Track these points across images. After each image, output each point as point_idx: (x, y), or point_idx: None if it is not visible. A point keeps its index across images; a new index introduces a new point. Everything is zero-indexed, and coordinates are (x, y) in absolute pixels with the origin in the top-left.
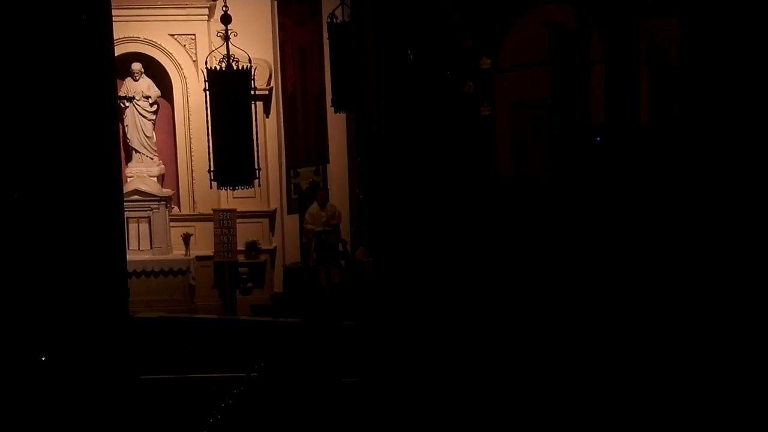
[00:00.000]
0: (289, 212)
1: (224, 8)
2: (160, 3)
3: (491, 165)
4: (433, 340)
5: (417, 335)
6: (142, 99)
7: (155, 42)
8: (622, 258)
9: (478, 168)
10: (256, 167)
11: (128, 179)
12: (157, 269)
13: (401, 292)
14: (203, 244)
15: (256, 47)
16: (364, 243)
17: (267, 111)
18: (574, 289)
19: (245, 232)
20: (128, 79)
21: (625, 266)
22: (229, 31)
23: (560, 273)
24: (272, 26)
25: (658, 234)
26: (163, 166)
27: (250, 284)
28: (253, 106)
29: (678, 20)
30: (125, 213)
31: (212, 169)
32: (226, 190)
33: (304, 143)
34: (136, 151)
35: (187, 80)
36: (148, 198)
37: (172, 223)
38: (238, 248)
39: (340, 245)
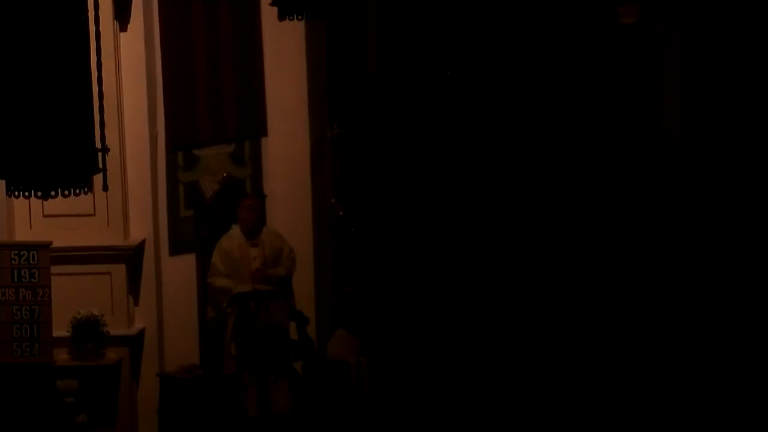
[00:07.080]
0: (174, 251)
1: None
2: None
3: (649, 146)
4: None
5: None
6: None
7: None
8: None
9: (618, 153)
10: (99, 147)
11: None
12: None
13: None
14: None
15: None
16: (345, 322)
17: (122, 17)
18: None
19: (73, 297)
20: None
21: None
22: None
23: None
24: None
25: None
26: None
27: (82, 418)
28: (90, 7)
29: None
30: None
31: None
32: (27, 198)
33: (207, 91)
34: None
35: None
36: None
37: None
38: (56, 334)
39: (294, 326)
